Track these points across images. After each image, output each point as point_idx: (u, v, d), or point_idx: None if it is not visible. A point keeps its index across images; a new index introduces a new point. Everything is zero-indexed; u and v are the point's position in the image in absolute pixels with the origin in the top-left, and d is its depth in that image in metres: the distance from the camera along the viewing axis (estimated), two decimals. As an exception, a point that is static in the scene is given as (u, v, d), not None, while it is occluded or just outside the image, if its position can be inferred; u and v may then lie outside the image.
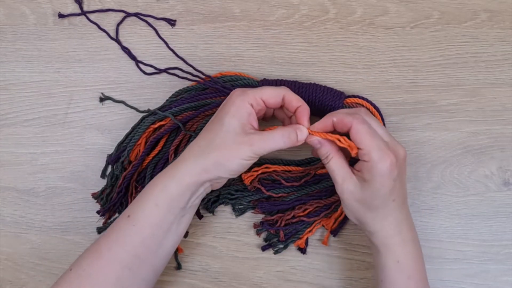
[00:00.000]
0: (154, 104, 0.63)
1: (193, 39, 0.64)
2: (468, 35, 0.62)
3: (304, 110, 0.53)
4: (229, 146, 0.50)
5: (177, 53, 0.64)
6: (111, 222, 0.60)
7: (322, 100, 0.58)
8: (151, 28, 0.64)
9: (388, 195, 0.50)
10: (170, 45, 0.64)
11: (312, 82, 0.60)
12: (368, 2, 0.64)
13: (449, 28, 0.63)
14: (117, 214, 0.61)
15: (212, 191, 0.56)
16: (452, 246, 0.59)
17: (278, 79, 0.60)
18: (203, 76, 0.62)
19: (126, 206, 0.60)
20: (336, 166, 0.51)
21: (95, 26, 0.65)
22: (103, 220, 0.61)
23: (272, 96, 0.52)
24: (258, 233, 0.60)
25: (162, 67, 0.64)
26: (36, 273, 0.61)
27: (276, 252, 0.60)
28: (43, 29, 0.65)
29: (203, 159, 0.50)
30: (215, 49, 0.64)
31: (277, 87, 0.53)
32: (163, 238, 0.51)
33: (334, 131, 0.52)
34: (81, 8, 0.65)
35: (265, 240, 0.60)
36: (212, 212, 0.61)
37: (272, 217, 0.60)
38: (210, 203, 0.60)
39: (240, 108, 0.50)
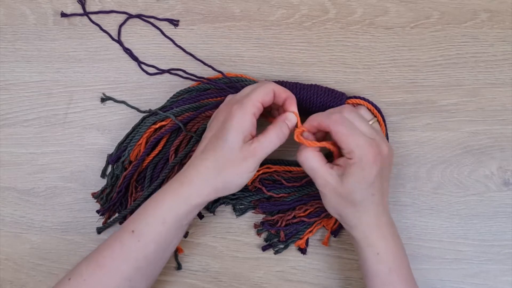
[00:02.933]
0: (154, 104, 0.63)
1: (193, 39, 0.64)
2: (468, 35, 0.62)
3: (291, 99, 0.54)
4: (236, 164, 0.51)
5: (178, 53, 0.64)
6: (111, 221, 0.60)
7: (323, 101, 0.58)
8: (151, 29, 0.64)
9: (367, 189, 0.51)
10: (171, 45, 0.64)
11: (312, 82, 0.60)
12: (368, 2, 0.64)
13: (449, 28, 0.63)
14: (116, 214, 0.61)
15: None
16: (452, 246, 0.59)
17: (278, 81, 0.60)
18: (214, 71, 0.62)
19: (126, 206, 0.60)
20: (315, 164, 0.52)
21: (95, 26, 0.65)
22: (102, 220, 0.61)
23: (265, 94, 0.52)
24: (258, 233, 0.60)
25: (163, 67, 0.64)
26: (36, 273, 0.61)
27: (276, 252, 0.60)
28: (43, 29, 0.65)
29: (212, 181, 0.51)
30: (215, 49, 0.64)
31: (263, 84, 0.53)
32: (164, 252, 0.53)
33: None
34: (83, 8, 0.65)
35: (266, 240, 0.60)
36: (213, 212, 0.61)
37: (273, 217, 0.60)
38: (211, 203, 0.60)
39: (242, 121, 0.51)
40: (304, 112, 0.59)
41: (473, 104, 0.61)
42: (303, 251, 0.60)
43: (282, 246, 0.60)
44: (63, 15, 0.64)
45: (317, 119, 0.53)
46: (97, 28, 0.65)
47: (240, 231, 0.61)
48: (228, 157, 0.51)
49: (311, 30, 0.63)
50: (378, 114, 0.59)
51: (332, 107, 0.58)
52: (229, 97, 0.57)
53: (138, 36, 0.64)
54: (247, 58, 0.63)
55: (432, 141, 0.61)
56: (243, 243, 0.61)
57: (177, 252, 0.60)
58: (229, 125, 0.51)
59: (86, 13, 0.64)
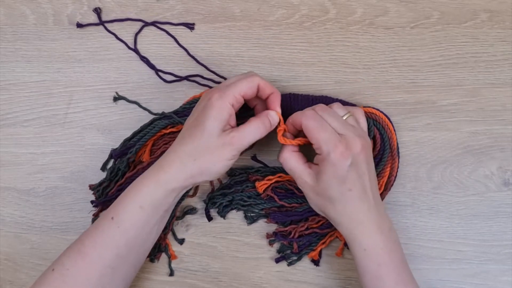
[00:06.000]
0: (153, 104, 0.63)
1: (193, 39, 0.64)
2: (468, 35, 0.62)
3: (275, 97, 0.55)
4: (212, 151, 0.52)
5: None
6: None
7: None
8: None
9: (342, 185, 0.51)
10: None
11: (312, 82, 0.61)
12: (368, 2, 0.64)
13: (449, 28, 0.63)
14: None
15: (225, 195, 0.60)
16: (452, 246, 0.59)
17: (291, 93, 0.59)
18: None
19: None
20: (293, 165, 0.53)
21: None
22: (94, 212, 0.61)
23: (249, 88, 0.53)
24: (270, 243, 0.60)
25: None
26: (36, 273, 0.61)
27: (290, 264, 0.59)
28: (43, 29, 0.65)
29: (189, 167, 0.52)
30: (215, 49, 0.64)
31: (249, 76, 0.54)
32: (146, 239, 0.53)
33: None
34: (99, 17, 0.64)
35: (278, 251, 0.60)
36: (223, 216, 0.60)
37: (286, 228, 0.59)
38: (222, 207, 0.60)
39: (221, 110, 0.52)
40: None
41: (473, 104, 0.61)
42: (316, 262, 0.59)
43: (295, 257, 0.59)
44: (79, 25, 0.64)
45: (292, 116, 0.54)
46: (97, 28, 0.65)
47: (240, 231, 0.61)
48: (205, 144, 0.51)
49: (311, 30, 0.63)
50: (390, 124, 0.59)
51: None
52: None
53: (139, 37, 0.64)
54: (247, 58, 0.63)
55: (432, 141, 0.61)
56: (243, 243, 0.61)
57: (170, 259, 0.60)
58: (208, 113, 0.51)
59: (101, 22, 0.64)
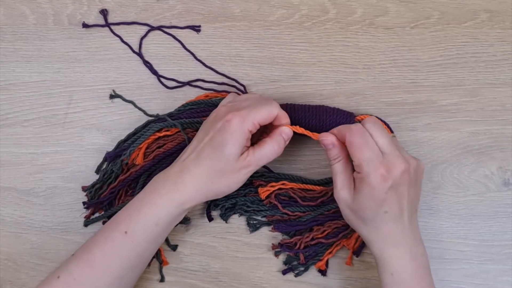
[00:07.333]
0: (153, 104, 0.63)
1: (193, 39, 0.64)
2: (468, 35, 0.62)
3: (286, 120, 0.55)
4: (229, 174, 0.52)
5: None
6: (96, 218, 0.60)
7: (333, 121, 0.57)
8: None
9: (379, 207, 0.50)
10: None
11: (312, 82, 0.61)
12: (368, 2, 0.64)
13: (449, 28, 0.63)
14: (102, 212, 0.61)
15: (229, 198, 0.60)
16: (452, 246, 0.59)
17: (287, 104, 0.59)
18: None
19: (113, 206, 0.60)
20: (340, 170, 0.53)
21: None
22: (86, 214, 0.61)
23: (268, 118, 0.53)
24: (276, 255, 0.60)
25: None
26: (36, 273, 0.61)
27: (297, 275, 0.59)
28: (43, 29, 0.65)
29: (205, 188, 0.52)
30: (215, 49, 0.64)
31: (269, 106, 0.53)
32: (154, 249, 0.54)
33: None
34: (105, 20, 0.64)
35: (285, 263, 0.60)
36: (226, 220, 0.60)
37: (291, 240, 0.59)
38: (224, 209, 0.60)
39: (240, 136, 0.51)
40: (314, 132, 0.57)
41: (473, 104, 0.61)
42: (323, 272, 0.59)
43: (302, 268, 0.59)
44: (85, 25, 0.64)
45: (339, 127, 0.53)
46: (97, 28, 0.65)
47: (240, 231, 0.61)
48: (223, 168, 0.52)
49: (311, 30, 0.63)
50: (388, 129, 0.59)
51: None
52: (231, 97, 0.57)
53: (138, 36, 0.64)
54: (247, 58, 0.63)
55: (432, 141, 0.61)
56: (243, 243, 0.61)
57: (161, 265, 0.60)
58: (227, 138, 0.51)
59: (107, 24, 0.64)
